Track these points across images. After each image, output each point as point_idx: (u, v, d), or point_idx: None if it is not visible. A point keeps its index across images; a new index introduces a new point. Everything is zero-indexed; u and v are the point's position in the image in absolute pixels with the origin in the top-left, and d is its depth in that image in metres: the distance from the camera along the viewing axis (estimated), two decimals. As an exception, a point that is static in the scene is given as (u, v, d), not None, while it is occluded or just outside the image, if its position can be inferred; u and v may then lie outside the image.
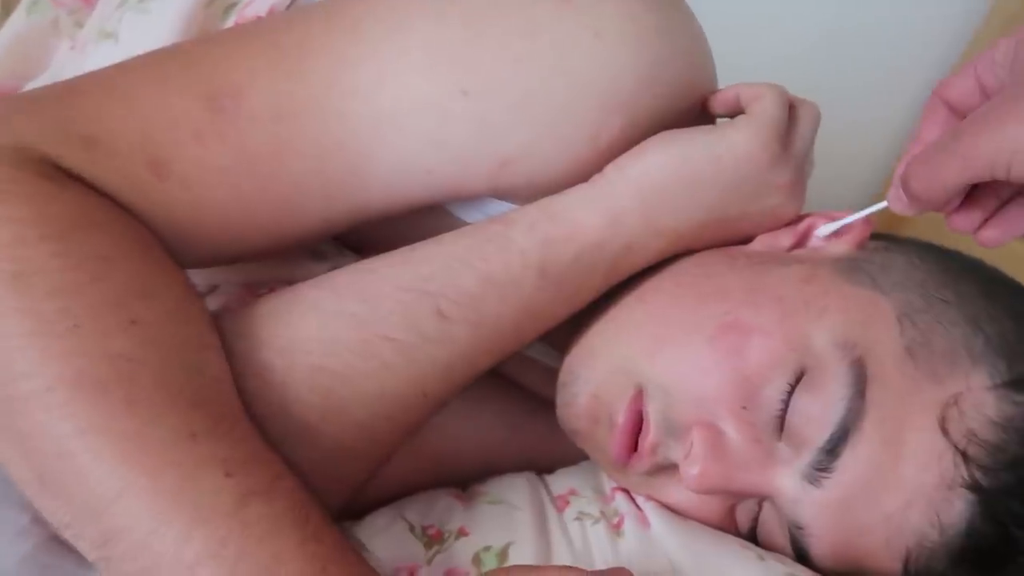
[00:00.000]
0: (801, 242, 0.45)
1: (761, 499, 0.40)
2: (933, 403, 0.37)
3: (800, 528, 0.39)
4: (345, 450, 0.39)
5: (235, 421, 0.36)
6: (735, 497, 0.41)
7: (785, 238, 0.45)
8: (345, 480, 0.41)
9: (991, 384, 0.37)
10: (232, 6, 0.51)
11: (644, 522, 0.42)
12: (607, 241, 0.41)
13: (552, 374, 0.46)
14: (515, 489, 0.46)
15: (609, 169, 0.42)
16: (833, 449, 0.37)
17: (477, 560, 0.40)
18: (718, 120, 0.47)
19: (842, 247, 0.44)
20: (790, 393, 0.38)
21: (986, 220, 0.39)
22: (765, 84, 0.44)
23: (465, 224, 0.45)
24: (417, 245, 0.42)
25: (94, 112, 0.39)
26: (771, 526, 0.41)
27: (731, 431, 0.39)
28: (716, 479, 0.38)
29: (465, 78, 0.40)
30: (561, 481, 0.48)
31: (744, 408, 0.39)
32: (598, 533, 0.42)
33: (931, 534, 0.36)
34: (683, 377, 0.40)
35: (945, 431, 0.36)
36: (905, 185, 0.38)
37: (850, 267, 0.42)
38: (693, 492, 0.39)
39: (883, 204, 0.41)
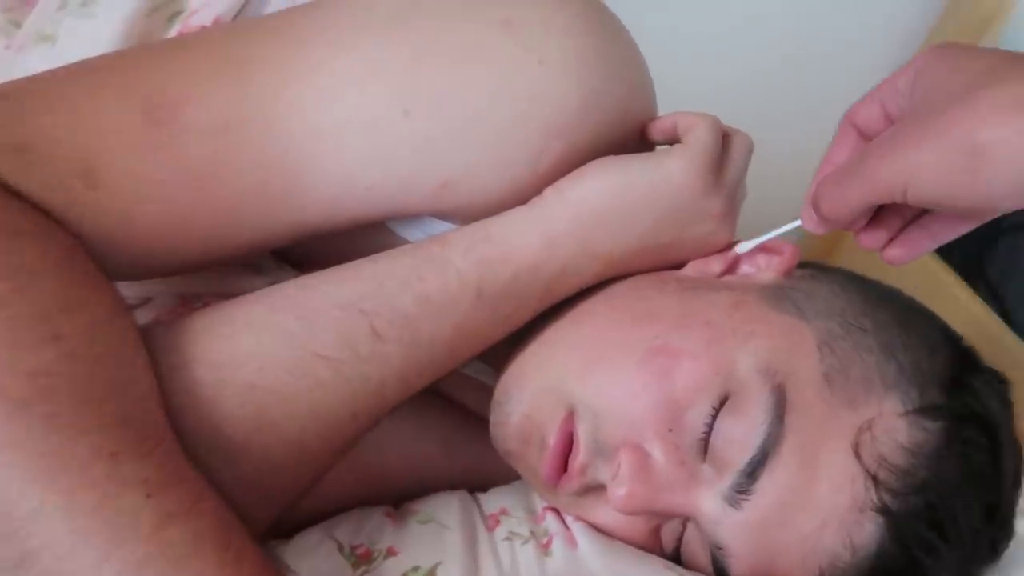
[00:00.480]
0: (731, 269, 0.46)
1: (685, 520, 0.42)
2: (848, 428, 0.39)
3: (720, 548, 0.40)
4: (275, 468, 0.39)
5: (159, 440, 0.35)
6: (660, 517, 0.42)
7: (716, 264, 0.46)
8: (274, 498, 0.40)
9: (903, 411, 0.39)
10: (176, 15, 0.50)
11: (572, 542, 0.43)
12: (543, 264, 0.42)
13: (488, 392, 0.47)
14: (447, 508, 0.47)
15: (548, 192, 0.43)
16: (753, 472, 0.38)
17: (405, 580, 0.40)
18: (657, 147, 0.48)
19: (770, 275, 0.45)
20: (714, 416, 0.39)
21: (891, 239, 0.42)
22: (700, 114, 0.45)
23: (405, 242, 0.45)
24: (355, 263, 0.42)
25: (27, 118, 0.38)
26: (694, 546, 0.42)
27: (657, 453, 0.40)
28: (642, 500, 0.39)
29: (407, 98, 0.40)
30: (494, 500, 0.49)
31: (670, 430, 0.40)
32: (527, 553, 0.43)
33: (843, 555, 0.38)
34: (613, 399, 0.41)
35: (858, 455, 0.38)
36: (815, 204, 0.41)
37: (776, 295, 0.43)
38: (620, 513, 0.40)
39: (796, 223, 0.44)
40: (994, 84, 0.34)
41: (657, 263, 0.46)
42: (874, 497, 0.38)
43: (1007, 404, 0.43)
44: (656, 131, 0.47)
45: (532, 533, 0.44)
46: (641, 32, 0.47)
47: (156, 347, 0.39)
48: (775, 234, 0.46)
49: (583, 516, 0.44)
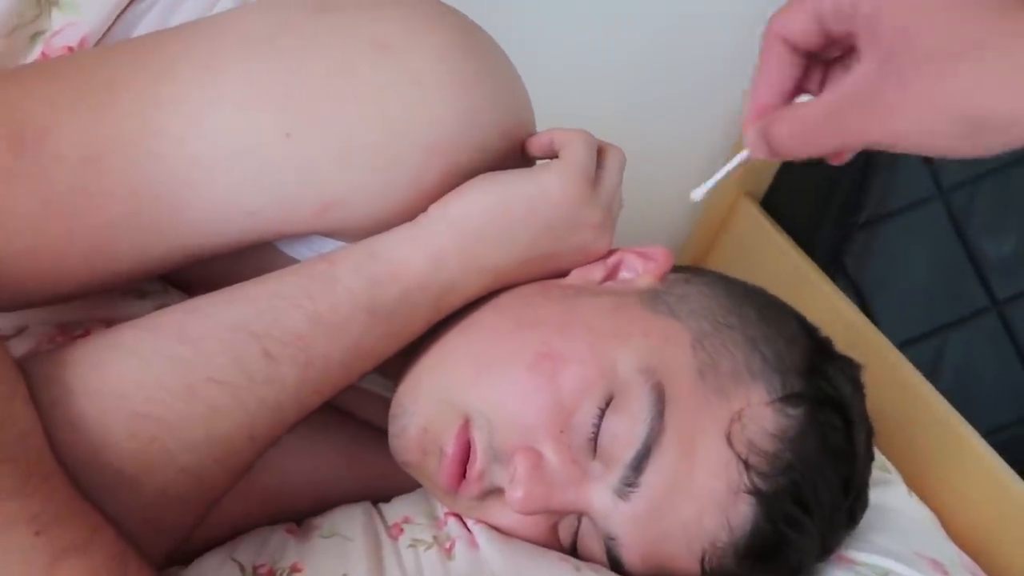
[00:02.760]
0: (612, 275, 0.49)
1: (580, 515, 0.44)
2: (721, 418, 0.42)
3: (612, 539, 0.42)
4: (170, 498, 0.38)
5: (45, 476, 0.34)
6: (556, 515, 0.44)
7: (597, 272, 0.48)
8: (172, 528, 0.40)
9: (768, 399, 0.42)
10: (39, 34, 0.48)
11: (474, 544, 0.45)
12: (430, 280, 0.43)
13: (387, 405, 0.47)
14: (350, 520, 0.47)
15: (432, 209, 0.44)
16: (638, 466, 0.41)
17: (310, 595, 0.41)
18: (537, 162, 0.50)
19: (647, 280, 0.48)
20: (601, 416, 0.41)
21: None
22: (575, 130, 0.47)
23: (293, 260, 0.45)
24: (243, 284, 0.42)
25: None
26: (589, 539, 0.44)
27: (551, 454, 0.42)
28: (538, 500, 0.41)
29: (287, 121, 0.41)
30: (396, 510, 0.49)
31: (561, 432, 0.42)
32: (430, 558, 0.44)
33: (722, 536, 0.41)
34: (505, 406, 0.42)
35: (731, 443, 0.41)
36: (770, 138, 0.36)
37: (652, 298, 0.46)
38: (518, 513, 0.42)
39: (744, 154, 0.41)
40: (993, 46, 0.30)
41: (541, 273, 0.48)
42: (746, 480, 0.41)
43: (858, 386, 0.47)
44: (534, 147, 0.48)
45: (435, 538, 0.46)
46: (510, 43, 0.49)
47: (35, 380, 0.37)
48: (726, 169, 0.44)
49: (484, 519, 0.46)
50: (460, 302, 0.45)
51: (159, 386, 0.38)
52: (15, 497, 0.32)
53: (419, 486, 0.52)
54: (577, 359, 0.42)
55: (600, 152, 0.48)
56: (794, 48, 0.37)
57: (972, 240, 0.89)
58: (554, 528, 0.45)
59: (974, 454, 0.66)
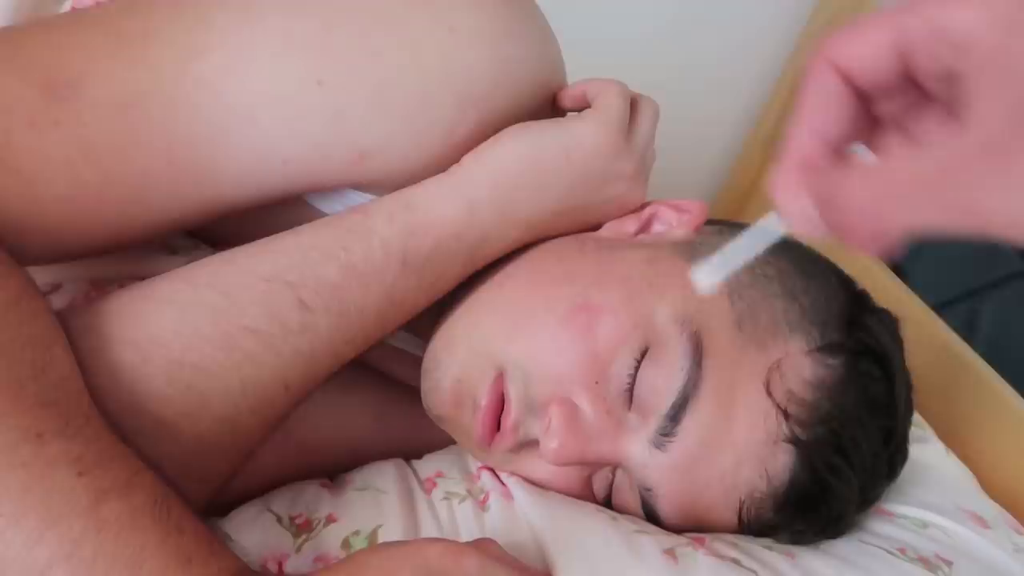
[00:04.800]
0: (645, 228, 0.48)
1: (615, 467, 0.43)
2: (759, 369, 0.41)
3: (649, 490, 0.42)
4: (207, 445, 0.39)
5: (86, 420, 0.34)
6: (591, 467, 0.44)
7: (631, 224, 0.48)
8: (208, 475, 0.40)
9: (807, 349, 0.42)
10: (68, -11, 0.48)
11: (508, 496, 0.44)
12: (465, 230, 0.43)
13: (419, 363, 0.47)
14: (383, 475, 0.47)
15: (467, 159, 0.43)
16: (675, 415, 0.40)
17: (347, 544, 0.41)
18: (568, 114, 0.50)
19: (681, 232, 0.47)
20: (637, 367, 0.41)
21: None
22: (609, 80, 0.47)
23: (325, 215, 0.45)
24: (277, 236, 0.42)
25: None
26: (624, 491, 0.44)
27: (586, 405, 0.41)
28: (573, 451, 0.41)
29: (320, 68, 0.40)
30: (429, 465, 0.49)
31: (597, 383, 0.41)
32: (465, 510, 0.44)
33: (760, 485, 0.41)
34: (540, 357, 0.42)
35: (769, 393, 0.41)
36: (836, 203, 0.26)
37: (688, 249, 0.45)
38: (553, 465, 0.42)
39: (776, 225, 0.29)
40: None
41: (574, 225, 0.47)
42: (785, 429, 0.40)
43: (897, 339, 0.46)
44: (567, 98, 0.48)
45: (469, 492, 0.45)
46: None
47: (73, 330, 0.38)
48: (746, 251, 0.31)
49: (518, 472, 0.46)
50: (494, 253, 0.45)
51: (196, 334, 0.38)
52: (57, 439, 0.32)
53: (451, 443, 0.52)
54: (612, 310, 0.42)
55: (633, 103, 0.48)
56: (855, 84, 0.27)
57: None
58: (588, 480, 0.45)
59: (1013, 413, 0.65)
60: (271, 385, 0.40)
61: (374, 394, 0.54)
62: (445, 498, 0.45)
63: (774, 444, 0.40)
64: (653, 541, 0.40)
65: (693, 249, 0.45)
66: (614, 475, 0.44)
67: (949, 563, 0.42)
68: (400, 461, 0.50)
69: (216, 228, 0.45)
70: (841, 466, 0.41)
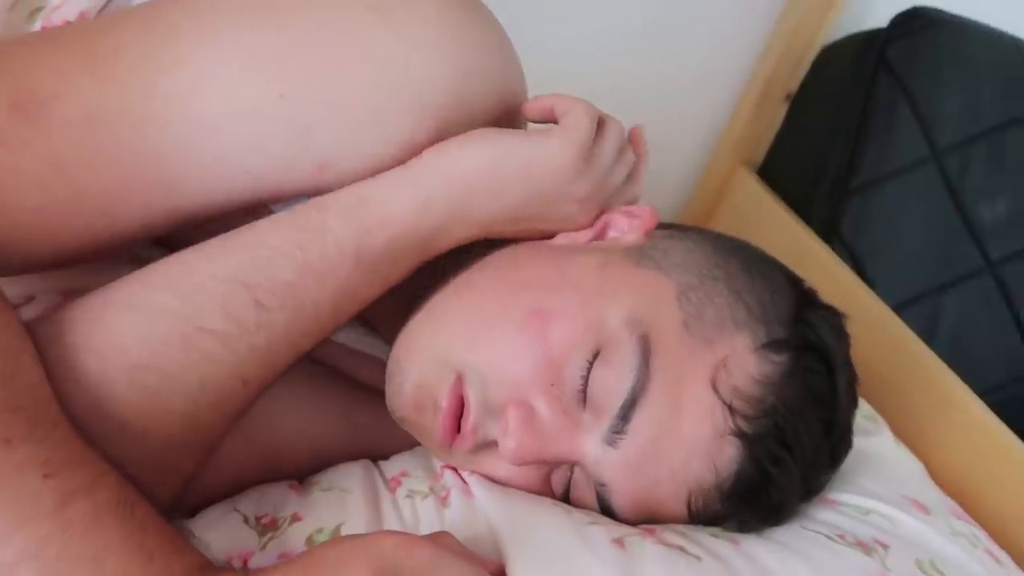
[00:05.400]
0: (600, 236, 0.50)
1: (572, 465, 0.45)
2: (706, 366, 0.43)
3: (603, 486, 0.43)
4: (170, 443, 0.40)
5: (53, 425, 0.36)
6: (549, 465, 0.45)
7: (584, 235, 0.49)
8: (173, 473, 0.41)
9: (752, 346, 0.44)
10: (38, 10, 0.50)
11: (468, 493, 0.46)
12: (418, 226, 0.44)
13: (383, 367, 0.49)
14: (350, 476, 0.49)
15: (428, 154, 0.44)
16: (626, 415, 0.42)
17: (310, 541, 0.42)
18: (531, 127, 0.51)
19: (632, 236, 0.49)
20: (589, 368, 0.43)
21: None
22: (578, 100, 0.48)
23: None
24: (230, 234, 0.43)
25: None
26: (581, 487, 0.45)
27: (542, 407, 0.43)
28: (531, 451, 0.42)
29: (282, 82, 0.42)
30: (395, 465, 0.51)
31: (552, 385, 0.43)
32: (427, 507, 0.46)
33: (708, 478, 0.42)
34: (497, 363, 0.43)
35: (716, 389, 0.42)
36: None
37: (638, 254, 0.47)
38: (512, 464, 0.43)
39: None
40: None
41: (528, 233, 0.49)
42: (731, 424, 0.42)
43: (843, 334, 0.48)
44: (534, 110, 0.49)
45: (431, 489, 0.47)
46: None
47: (39, 340, 0.39)
48: None
49: (479, 471, 0.47)
50: (447, 246, 0.46)
51: (155, 339, 0.40)
52: (25, 443, 0.34)
53: (418, 444, 0.53)
54: (566, 315, 0.43)
55: (600, 124, 0.48)
56: None
57: (966, 202, 0.90)
58: (547, 478, 0.46)
59: (966, 410, 0.67)
60: (229, 381, 0.41)
61: (342, 398, 0.56)
62: (408, 496, 0.47)
63: (721, 438, 0.42)
64: (603, 531, 0.41)
65: (643, 253, 0.47)
66: (572, 472, 0.45)
67: (886, 547, 0.44)
68: (368, 462, 0.52)
69: (182, 235, 0.47)
70: (784, 457, 0.43)
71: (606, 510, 0.45)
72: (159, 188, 0.42)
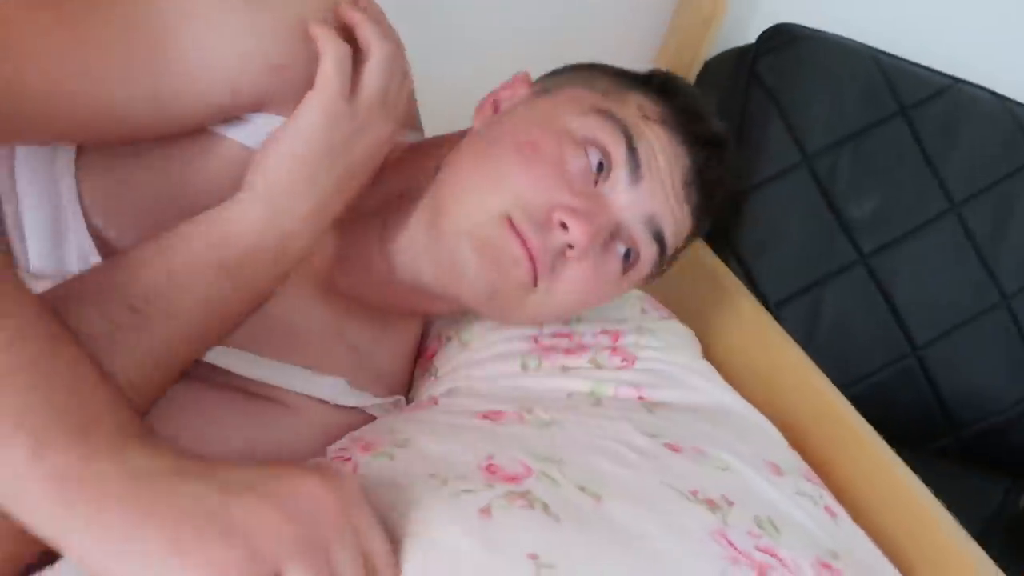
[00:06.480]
0: (496, 108, 0.62)
1: (618, 229, 0.57)
2: (635, 112, 0.59)
3: (652, 216, 0.57)
4: None
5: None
6: (606, 237, 0.56)
7: (488, 111, 0.62)
8: None
9: (643, 93, 0.61)
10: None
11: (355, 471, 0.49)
12: (266, 234, 0.49)
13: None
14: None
15: (250, 175, 0.49)
16: (633, 154, 0.56)
17: None
18: None
19: (524, 89, 0.62)
20: (584, 154, 0.55)
21: None
22: (330, 43, 0.50)
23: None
24: (118, 256, 0.48)
25: None
26: (637, 239, 0.58)
27: (571, 199, 0.54)
28: (589, 229, 0.53)
29: None
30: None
31: (569, 182, 0.55)
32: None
33: (685, 158, 0.60)
34: (525, 188, 0.54)
35: (647, 117, 0.59)
36: None
37: (539, 93, 0.62)
38: (585, 245, 0.54)
39: None
40: None
41: (364, 178, 0.54)
42: (677, 134, 0.59)
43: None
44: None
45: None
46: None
47: None
48: None
49: (562, 281, 0.56)
50: (303, 246, 0.51)
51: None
52: None
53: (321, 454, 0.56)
54: (543, 136, 0.56)
55: (359, 57, 0.51)
56: None
57: (837, 201, 0.97)
58: (613, 251, 0.58)
59: (831, 406, 0.70)
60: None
61: (242, 421, 0.58)
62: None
63: (673, 136, 0.59)
64: (473, 500, 0.44)
65: (541, 91, 0.61)
66: (623, 235, 0.58)
67: (731, 503, 0.48)
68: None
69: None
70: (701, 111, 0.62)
71: (659, 238, 0.58)
72: (144, 64, 0.47)
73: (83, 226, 0.53)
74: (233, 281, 0.48)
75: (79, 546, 0.34)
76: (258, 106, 0.51)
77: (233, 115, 0.52)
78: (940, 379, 1.01)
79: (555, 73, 0.65)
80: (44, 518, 0.34)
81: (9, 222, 0.53)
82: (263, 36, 0.48)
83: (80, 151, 0.53)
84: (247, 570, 0.34)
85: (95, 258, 0.53)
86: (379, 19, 0.54)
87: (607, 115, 0.57)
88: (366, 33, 0.51)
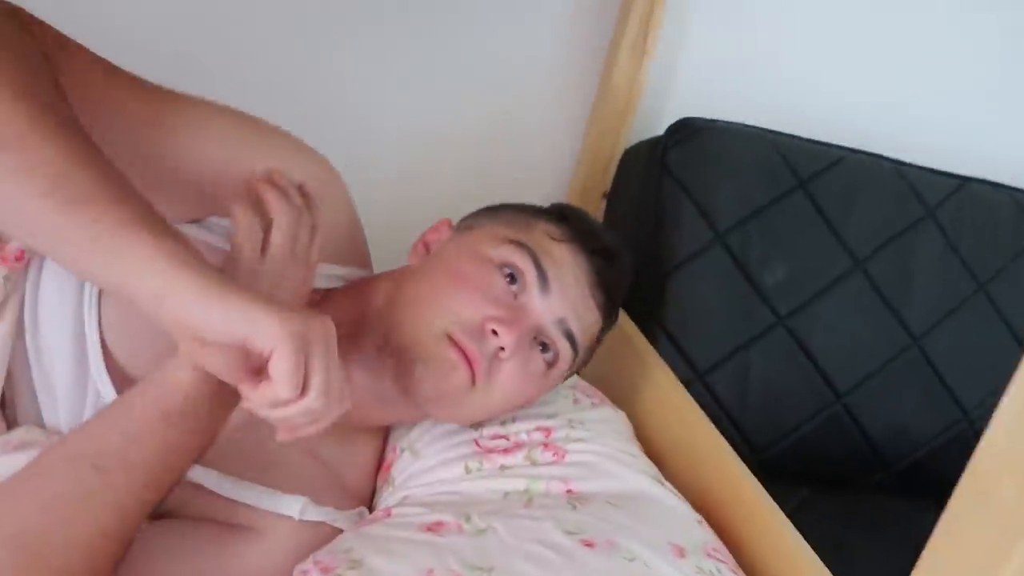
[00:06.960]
0: (428, 248, 0.76)
1: (538, 334, 0.71)
2: (531, 234, 0.74)
3: (562, 319, 0.71)
4: None
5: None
6: (529, 337, 0.70)
7: (421, 250, 0.76)
8: None
9: (547, 223, 0.76)
10: None
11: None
12: (198, 386, 0.56)
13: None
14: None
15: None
16: (542, 272, 0.71)
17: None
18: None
19: (446, 233, 0.77)
20: (503, 275, 0.70)
21: None
22: (240, 215, 0.63)
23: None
24: (80, 425, 0.57)
25: None
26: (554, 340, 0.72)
27: (497, 311, 0.68)
28: (514, 332, 0.67)
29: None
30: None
31: (493, 297, 0.68)
32: None
33: (586, 265, 0.75)
34: (460, 308, 0.68)
35: (554, 239, 0.75)
36: None
37: (460, 231, 0.77)
38: (513, 345, 0.67)
39: None
40: None
41: None
42: (583, 250, 0.74)
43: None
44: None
45: None
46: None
47: None
48: None
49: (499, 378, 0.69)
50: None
51: (22, 509, 0.52)
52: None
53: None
54: (470, 265, 0.70)
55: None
56: None
57: (752, 271, 1.06)
58: (537, 357, 0.71)
59: (734, 476, 0.78)
60: (89, 536, 0.53)
61: (215, 549, 0.67)
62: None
63: (578, 252, 0.74)
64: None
65: (462, 230, 0.77)
66: (541, 336, 0.71)
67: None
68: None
69: None
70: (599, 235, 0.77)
71: (571, 339, 0.72)
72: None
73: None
74: (178, 429, 0.56)
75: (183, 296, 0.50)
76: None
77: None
78: (865, 421, 1.11)
79: (473, 215, 0.80)
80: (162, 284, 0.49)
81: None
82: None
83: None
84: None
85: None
86: (287, 190, 0.66)
87: (517, 243, 0.72)
88: (270, 201, 0.64)
